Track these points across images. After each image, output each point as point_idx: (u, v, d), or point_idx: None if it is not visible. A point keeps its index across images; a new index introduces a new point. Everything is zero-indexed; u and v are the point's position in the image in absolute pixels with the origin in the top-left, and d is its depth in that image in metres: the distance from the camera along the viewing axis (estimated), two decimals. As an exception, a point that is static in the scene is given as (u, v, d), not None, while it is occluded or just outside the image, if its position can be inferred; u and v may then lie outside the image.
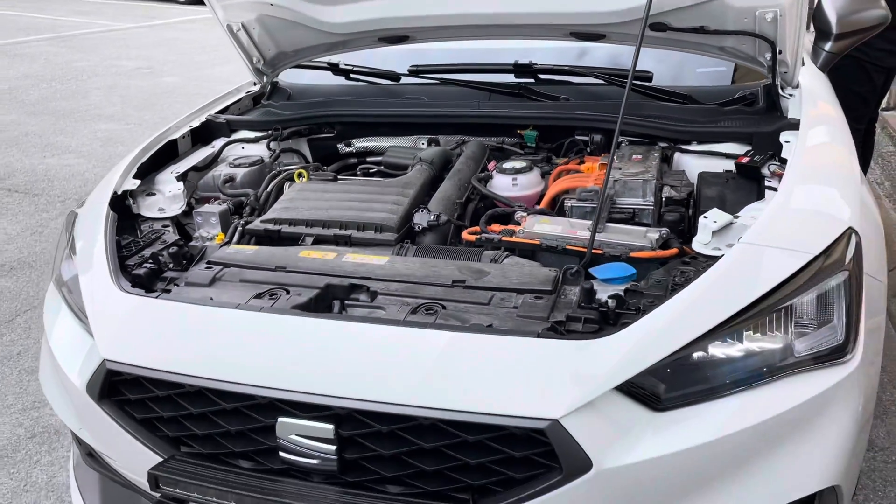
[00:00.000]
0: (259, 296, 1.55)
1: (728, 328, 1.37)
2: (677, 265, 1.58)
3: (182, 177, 2.16)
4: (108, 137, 6.09)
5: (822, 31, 2.48)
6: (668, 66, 2.50)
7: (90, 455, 1.78)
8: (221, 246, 1.84)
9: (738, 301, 1.37)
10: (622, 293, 1.49)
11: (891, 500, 2.15)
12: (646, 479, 1.30)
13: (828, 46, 2.47)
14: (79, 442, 1.83)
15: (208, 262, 1.72)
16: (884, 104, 5.78)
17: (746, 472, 1.35)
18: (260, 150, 2.39)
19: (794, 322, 1.42)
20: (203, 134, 2.42)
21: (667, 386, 1.35)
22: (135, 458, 1.53)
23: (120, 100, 7.34)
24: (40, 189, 4.95)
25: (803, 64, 2.33)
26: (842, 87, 3.24)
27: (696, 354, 1.37)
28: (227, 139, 2.42)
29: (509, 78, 2.47)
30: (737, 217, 1.63)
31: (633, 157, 2.02)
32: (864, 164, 3.73)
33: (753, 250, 1.46)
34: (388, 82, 2.66)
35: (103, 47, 10.24)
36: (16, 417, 2.69)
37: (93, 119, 6.64)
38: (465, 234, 1.86)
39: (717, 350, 1.39)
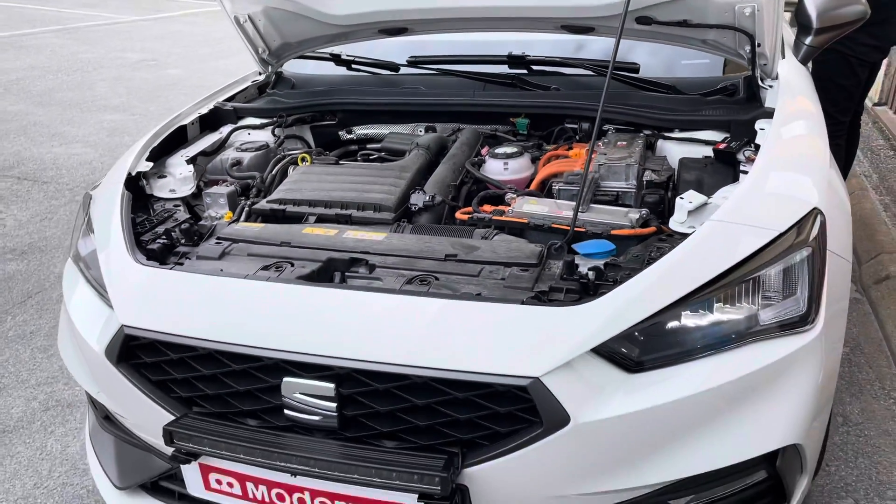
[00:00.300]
0: (266, 268, 1.67)
1: (698, 297, 1.48)
2: (654, 242, 1.70)
3: (192, 160, 2.26)
4: (114, 128, 6.21)
5: (804, 26, 2.59)
6: (660, 59, 2.60)
7: (106, 418, 1.90)
8: (230, 224, 1.95)
9: (707, 272, 1.49)
10: (602, 266, 1.61)
11: (861, 470, 2.27)
12: (619, 432, 1.42)
13: (808, 40, 2.57)
14: (95, 407, 1.95)
15: (218, 238, 1.83)
16: (876, 99, 5.89)
17: (713, 429, 1.46)
18: (265, 136, 2.50)
19: (760, 294, 1.53)
20: (211, 120, 2.53)
21: (640, 350, 1.47)
22: (150, 418, 1.65)
23: (125, 91, 7.45)
24: (49, 177, 5.07)
25: (783, 57, 2.44)
26: (827, 80, 3.36)
27: (668, 322, 1.49)
28: (233, 126, 2.53)
29: (504, 69, 2.58)
30: (710, 199, 1.75)
31: (619, 143, 2.13)
32: (850, 155, 3.83)
33: (722, 227, 1.57)
34: (388, 72, 2.75)
35: (108, 39, 10.34)
36: (30, 392, 2.81)
37: (99, 110, 6.75)
38: (458, 214, 1.97)
39: (689, 318, 1.50)
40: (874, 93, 5.86)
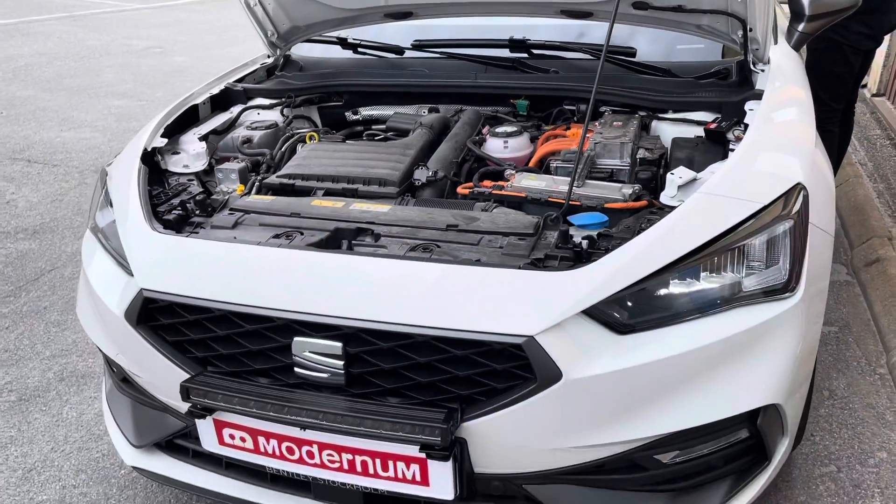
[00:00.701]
0: (277, 236, 1.76)
1: (685, 265, 1.57)
2: (645, 214, 1.79)
3: (204, 138, 2.35)
4: (121, 113, 6.29)
5: (796, 13, 2.66)
6: (659, 45, 2.68)
7: (123, 381, 2.00)
8: (242, 196, 2.04)
9: (693, 241, 1.57)
10: (595, 236, 1.70)
11: (844, 440, 2.37)
12: (608, 389, 1.51)
13: (801, 27, 2.64)
14: (112, 370, 2.05)
15: (231, 209, 1.92)
16: (874, 90, 5.95)
17: (698, 388, 1.55)
18: (274, 116, 2.59)
19: (745, 262, 1.62)
20: (222, 100, 2.62)
21: (629, 313, 1.56)
22: (166, 377, 1.74)
23: (132, 78, 7.53)
24: (58, 160, 5.16)
25: (775, 42, 2.52)
26: (821, 68, 3.44)
27: (657, 287, 1.58)
28: (243, 105, 2.62)
29: (505, 53, 2.65)
30: (699, 175, 1.84)
31: (615, 123, 2.22)
32: (844, 143, 3.90)
33: (709, 199, 1.66)
34: (393, 56, 2.83)
35: (114, 27, 10.42)
36: (45, 363, 2.91)
37: (106, 96, 6.84)
38: (459, 189, 2.06)
39: (676, 284, 1.59)
40: (873, 83, 5.93)
